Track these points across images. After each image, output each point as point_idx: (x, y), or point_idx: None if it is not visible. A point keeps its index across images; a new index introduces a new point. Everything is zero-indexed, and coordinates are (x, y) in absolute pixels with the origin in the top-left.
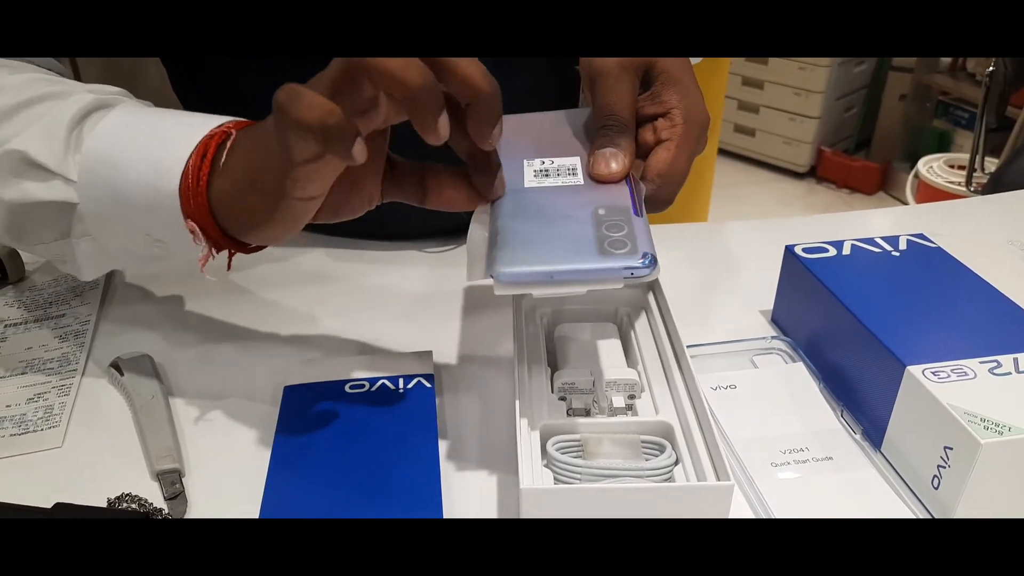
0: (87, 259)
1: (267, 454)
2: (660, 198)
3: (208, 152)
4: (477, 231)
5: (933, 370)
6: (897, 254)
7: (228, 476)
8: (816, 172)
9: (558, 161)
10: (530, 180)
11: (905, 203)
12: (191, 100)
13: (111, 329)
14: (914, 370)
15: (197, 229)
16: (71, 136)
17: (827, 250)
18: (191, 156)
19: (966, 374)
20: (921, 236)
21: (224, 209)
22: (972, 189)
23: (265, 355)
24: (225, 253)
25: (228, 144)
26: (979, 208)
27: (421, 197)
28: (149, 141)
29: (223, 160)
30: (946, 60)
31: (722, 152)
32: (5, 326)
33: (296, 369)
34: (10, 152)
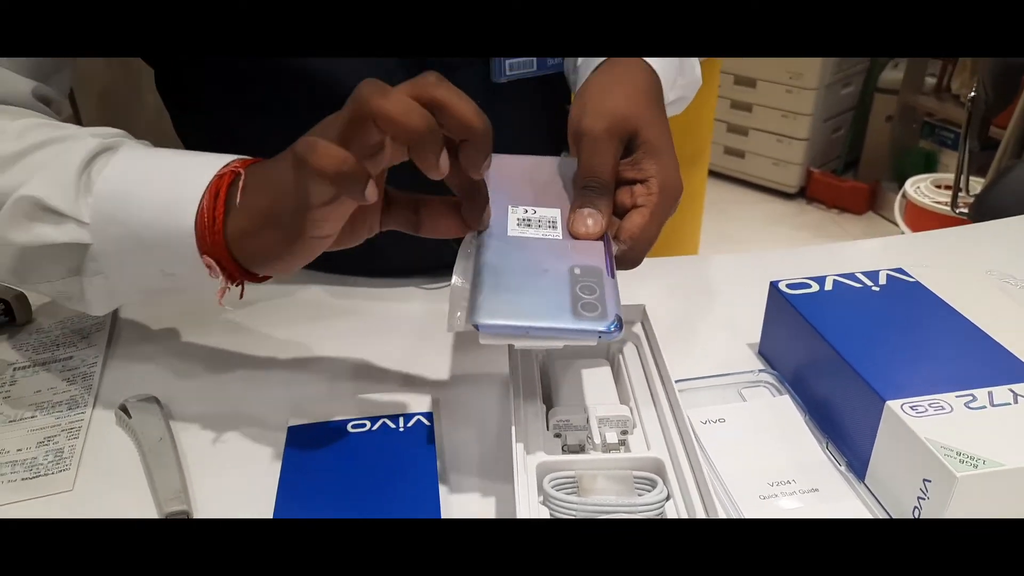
0: (98, 295)
1: (272, 494)
2: (629, 258)
3: (221, 191)
4: (459, 283)
5: (911, 404)
6: (877, 289)
7: (235, 517)
8: (806, 193)
9: (540, 211)
10: (513, 228)
11: (894, 223)
12: (191, 139)
13: (118, 370)
14: (893, 405)
15: (214, 264)
16: (80, 180)
17: (810, 285)
18: (204, 195)
19: (943, 408)
20: (900, 271)
21: (241, 245)
22: (957, 212)
23: (269, 393)
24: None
25: (240, 183)
26: (957, 238)
27: (415, 226)
28: (159, 181)
29: (238, 199)
30: (931, 81)
31: (713, 174)
32: (14, 369)
33: (299, 408)
34: (22, 198)
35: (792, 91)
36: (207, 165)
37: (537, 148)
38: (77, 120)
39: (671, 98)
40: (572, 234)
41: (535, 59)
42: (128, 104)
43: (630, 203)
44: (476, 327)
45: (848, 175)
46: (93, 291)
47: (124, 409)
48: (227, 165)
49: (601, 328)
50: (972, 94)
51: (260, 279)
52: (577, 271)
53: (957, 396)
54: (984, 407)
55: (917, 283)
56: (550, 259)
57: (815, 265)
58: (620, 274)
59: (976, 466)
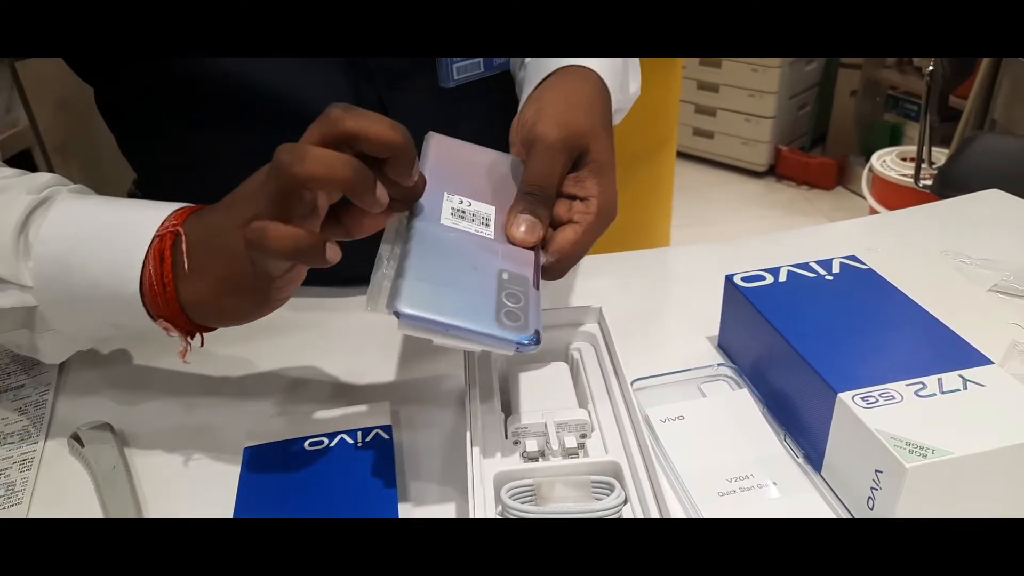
0: (50, 347)
1: (229, 517)
2: (554, 271)
3: (166, 255)
4: (384, 263)
5: (862, 395)
6: (831, 278)
7: None
8: (775, 170)
9: (475, 205)
10: (446, 216)
11: (862, 196)
12: (138, 157)
13: (71, 395)
14: (844, 397)
15: (171, 327)
16: (19, 244)
17: (764, 277)
18: (147, 259)
19: (893, 398)
20: (853, 258)
21: (199, 311)
22: (921, 185)
23: (225, 414)
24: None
25: (183, 246)
26: (912, 219)
27: (347, 234)
28: (96, 241)
29: (186, 265)
30: None
31: (683, 155)
32: None
33: (256, 427)
34: None
35: (757, 70)
36: (144, 223)
37: (496, 147)
38: (35, 131)
39: (614, 108)
40: (508, 237)
41: (481, 60)
42: (84, 114)
43: (566, 217)
44: (396, 315)
45: (816, 151)
46: (44, 344)
47: (76, 438)
48: (165, 221)
49: (521, 339)
50: (931, 68)
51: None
52: (505, 276)
53: (907, 385)
54: (934, 394)
55: (870, 270)
56: (479, 258)
57: (775, 254)
58: (582, 268)
59: (925, 456)
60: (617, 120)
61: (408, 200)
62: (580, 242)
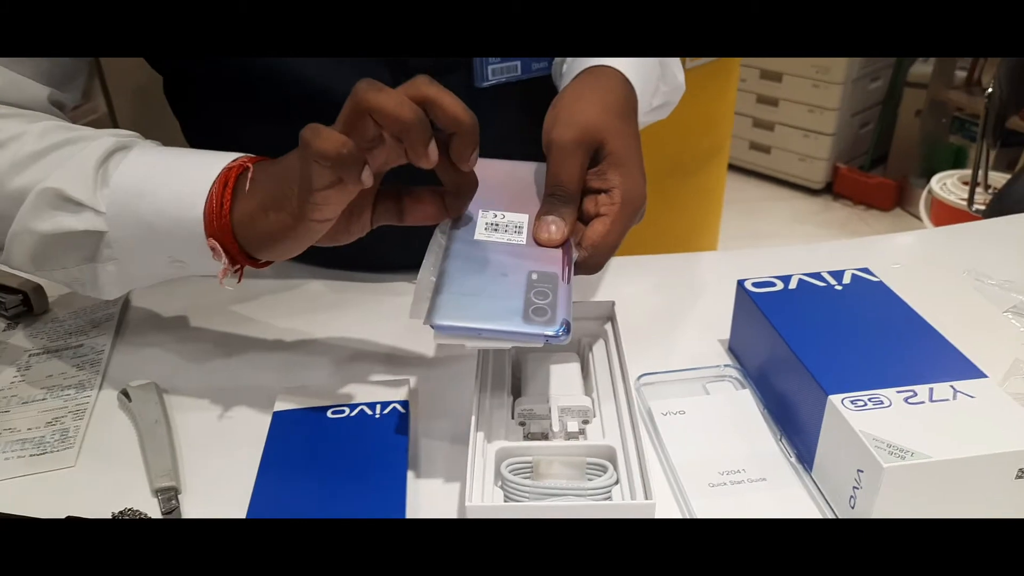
0: (110, 280)
1: (255, 473)
2: (589, 265)
3: (229, 181)
4: (425, 276)
5: (852, 399)
6: (840, 288)
7: (219, 493)
8: (832, 189)
9: (508, 216)
10: (480, 232)
11: (919, 218)
12: (196, 145)
13: (124, 357)
14: (835, 399)
15: (218, 246)
16: (98, 173)
17: (775, 284)
18: (213, 184)
19: (882, 403)
20: (865, 270)
21: (245, 229)
22: (974, 209)
23: (260, 381)
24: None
25: (248, 175)
26: (943, 237)
27: (400, 216)
28: (172, 173)
29: (246, 187)
30: (961, 75)
31: (738, 169)
32: (30, 355)
33: (287, 395)
34: (45, 190)
35: (819, 85)
36: (217, 159)
37: (522, 152)
38: (112, 118)
39: (655, 104)
40: (535, 240)
41: (519, 63)
42: (158, 104)
43: (593, 212)
44: (432, 327)
45: (876, 171)
46: (106, 276)
47: (125, 393)
48: (236, 159)
49: (548, 332)
50: (989, 90)
51: (260, 264)
52: (534, 276)
53: (898, 391)
54: (923, 402)
55: (880, 283)
56: (510, 263)
57: (801, 264)
58: (610, 268)
59: (903, 458)
60: (665, 113)
61: (459, 192)
62: (610, 233)
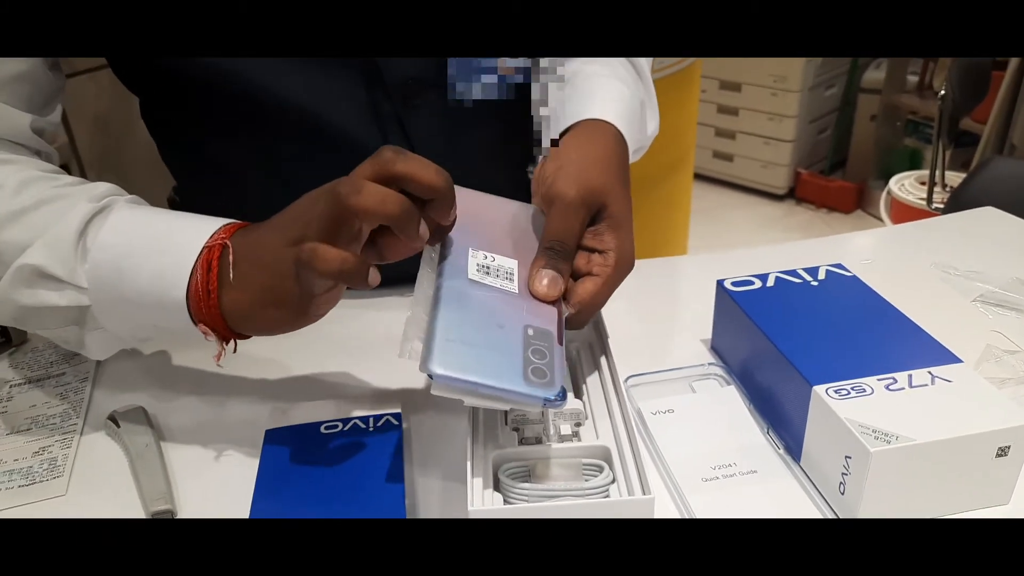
0: (97, 344)
1: (251, 493)
2: (575, 322)
3: (213, 264)
4: (418, 313)
5: (836, 388)
6: (816, 283)
7: (216, 515)
8: (795, 193)
9: (499, 260)
10: (472, 272)
11: (880, 219)
12: (175, 166)
13: (108, 384)
14: (819, 389)
15: (210, 331)
16: (77, 248)
17: (753, 283)
18: (196, 265)
19: (864, 391)
20: (839, 266)
21: (239, 319)
22: (933, 207)
23: (250, 400)
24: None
25: (230, 257)
26: (909, 233)
27: (380, 256)
28: (150, 251)
29: (231, 275)
30: (913, 80)
31: (703, 178)
32: (11, 387)
33: (278, 412)
34: (23, 266)
35: (777, 94)
36: (194, 236)
37: (495, 169)
38: (72, 146)
39: (631, 149)
40: (531, 291)
41: (496, 79)
42: (121, 131)
43: (585, 270)
44: (430, 376)
45: (836, 175)
46: (92, 341)
47: (113, 419)
48: (214, 234)
49: (548, 396)
50: (942, 92)
51: (248, 336)
52: (530, 332)
53: (879, 379)
54: (903, 388)
55: (854, 277)
56: (506, 314)
57: (775, 264)
58: None
59: (889, 442)
60: (635, 159)
61: (440, 234)
62: (600, 293)
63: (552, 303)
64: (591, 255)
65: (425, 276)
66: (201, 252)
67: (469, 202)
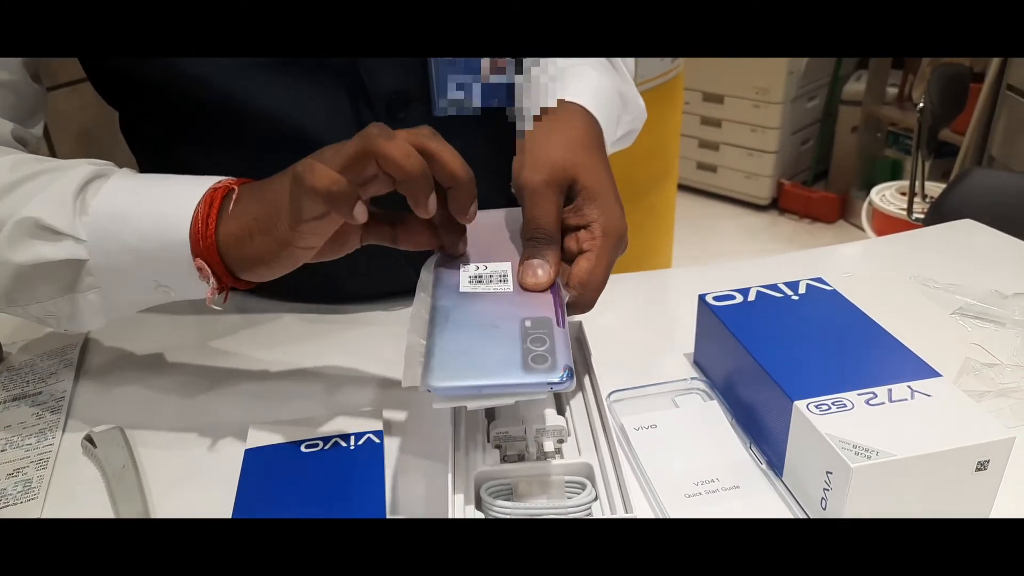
0: (92, 310)
1: (230, 513)
2: (581, 303)
3: (215, 201)
4: (415, 340)
5: (816, 403)
6: (796, 298)
7: None
8: (778, 204)
9: (491, 267)
10: (465, 285)
11: (862, 229)
12: None
13: (85, 402)
14: (800, 404)
15: (205, 266)
16: (77, 201)
17: (734, 297)
18: (199, 205)
19: (845, 406)
20: (820, 280)
21: (230, 250)
22: (913, 218)
23: (228, 419)
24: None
25: (233, 196)
26: (888, 246)
27: (393, 240)
28: (155, 197)
29: (231, 207)
30: (892, 92)
31: (687, 189)
32: None
33: (256, 432)
34: (22, 219)
35: (759, 106)
36: (202, 182)
37: (485, 182)
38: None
39: (619, 134)
40: (522, 286)
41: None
42: (105, 145)
43: (576, 249)
44: (430, 391)
45: (819, 185)
46: (87, 306)
47: (89, 440)
48: (222, 181)
49: (552, 380)
50: (920, 104)
51: (244, 285)
52: (528, 323)
53: (859, 394)
54: (883, 403)
55: (834, 291)
56: (501, 314)
57: (757, 278)
58: None
59: (869, 457)
60: (630, 141)
61: (453, 235)
62: (596, 268)
63: (546, 291)
64: (577, 233)
65: (420, 301)
66: (206, 192)
67: None
